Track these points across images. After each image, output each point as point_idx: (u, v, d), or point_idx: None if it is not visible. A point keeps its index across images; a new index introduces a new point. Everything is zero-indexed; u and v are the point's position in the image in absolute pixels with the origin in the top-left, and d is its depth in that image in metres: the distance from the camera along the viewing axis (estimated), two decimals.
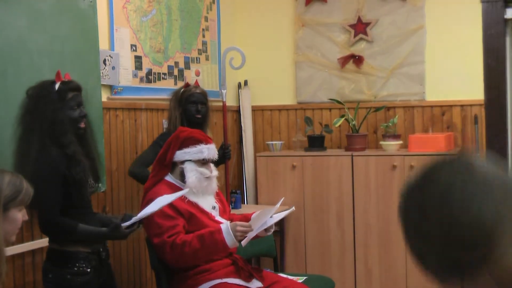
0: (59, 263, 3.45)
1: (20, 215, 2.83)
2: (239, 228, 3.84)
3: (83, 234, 3.42)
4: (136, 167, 4.72)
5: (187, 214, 4.00)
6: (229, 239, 3.83)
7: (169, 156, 4.14)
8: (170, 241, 3.87)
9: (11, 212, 2.78)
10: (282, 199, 4.27)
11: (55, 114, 3.43)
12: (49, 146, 3.38)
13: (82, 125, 3.54)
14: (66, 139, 3.43)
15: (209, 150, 4.15)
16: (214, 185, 4.24)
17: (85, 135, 3.62)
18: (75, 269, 3.43)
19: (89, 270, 3.46)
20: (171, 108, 4.90)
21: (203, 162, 4.13)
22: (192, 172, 4.08)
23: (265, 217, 3.93)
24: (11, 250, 3.66)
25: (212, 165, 4.24)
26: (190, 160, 4.10)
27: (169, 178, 4.16)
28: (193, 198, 4.08)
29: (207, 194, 4.20)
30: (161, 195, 3.97)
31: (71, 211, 3.44)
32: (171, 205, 3.95)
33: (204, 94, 4.94)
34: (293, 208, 4.41)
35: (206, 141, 4.17)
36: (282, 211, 4.17)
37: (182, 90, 4.93)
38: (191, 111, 4.83)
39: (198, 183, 4.08)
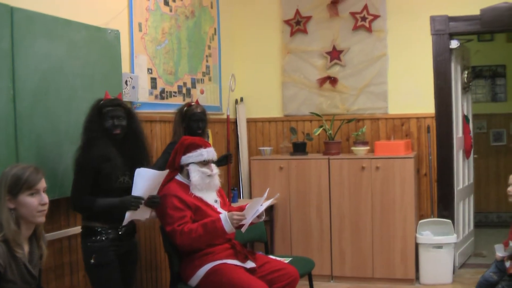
0: (85, 234, 3.67)
1: (32, 199, 2.85)
2: (235, 217, 3.88)
3: (101, 205, 3.59)
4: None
5: (194, 207, 4.03)
6: (227, 226, 3.87)
7: (177, 161, 4.18)
8: (179, 229, 3.90)
9: (20, 198, 2.82)
10: (268, 190, 4.30)
11: (90, 124, 3.65)
12: (90, 147, 3.58)
13: (117, 131, 3.69)
14: (97, 143, 3.60)
15: (208, 153, 4.17)
16: (216, 181, 4.25)
17: (126, 140, 3.78)
18: (93, 238, 3.62)
19: (104, 239, 3.62)
20: (176, 122, 4.83)
21: (204, 163, 4.15)
22: (195, 172, 4.11)
23: (256, 206, 3.96)
24: (51, 236, 3.72)
25: (213, 165, 4.25)
26: (193, 162, 4.14)
27: (178, 177, 4.19)
28: (198, 193, 4.11)
29: (210, 189, 4.21)
30: (172, 190, 4.05)
31: (103, 197, 3.61)
32: (180, 199, 4.00)
33: (204, 113, 4.85)
34: (278, 194, 4.41)
35: (205, 145, 4.19)
36: (269, 200, 4.18)
37: (185, 108, 4.83)
38: (194, 128, 4.74)
39: (201, 180, 4.11)
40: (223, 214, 3.93)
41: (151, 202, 3.73)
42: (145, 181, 3.65)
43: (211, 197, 4.22)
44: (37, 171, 2.91)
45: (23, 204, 2.84)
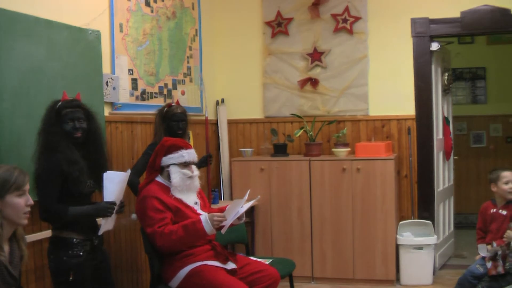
0: (58, 247, 3.50)
1: (19, 200, 2.86)
2: (215, 218, 3.91)
3: (74, 214, 3.45)
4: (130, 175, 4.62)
5: (174, 208, 4.05)
6: (207, 227, 3.89)
7: (157, 162, 4.18)
8: (159, 231, 3.91)
9: (7, 198, 2.83)
10: (248, 191, 4.33)
11: (50, 127, 3.50)
12: (53, 151, 3.44)
13: (77, 134, 3.55)
14: (60, 146, 3.46)
15: (189, 154, 4.18)
16: (196, 183, 4.26)
17: (87, 143, 3.65)
18: (70, 252, 3.47)
19: (81, 253, 3.49)
20: (156, 123, 4.83)
21: (185, 165, 4.16)
22: (176, 174, 4.11)
23: (237, 207, 4.00)
24: (32, 237, 3.72)
25: (193, 166, 4.26)
26: (174, 164, 4.15)
27: (159, 178, 4.20)
28: (178, 195, 4.13)
29: (190, 191, 4.23)
30: (152, 192, 4.06)
31: (70, 203, 3.48)
32: (160, 201, 4.02)
33: (184, 113, 4.86)
34: (259, 197, 4.43)
35: (186, 147, 4.21)
36: (250, 201, 4.20)
37: (165, 109, 4.85)
38: (174, 128, 4.75)
39: (181, 182, 4.12)
40: (204, 216, 3.96)
41: (121, 208, 3.67)
42: (115, 184, 3.57)
43: (191, 199, 4.24)
44: (23, 172, 2.92)
45: (11, 205, 2.84)
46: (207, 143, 5.60)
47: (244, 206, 4.06)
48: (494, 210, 4.74)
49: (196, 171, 4.27)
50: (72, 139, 3.55)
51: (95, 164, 3.65)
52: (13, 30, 3.65)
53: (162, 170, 4.21)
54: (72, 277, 3.45)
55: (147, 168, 4.27)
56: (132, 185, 4.51)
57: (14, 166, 2.94)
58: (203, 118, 6.41)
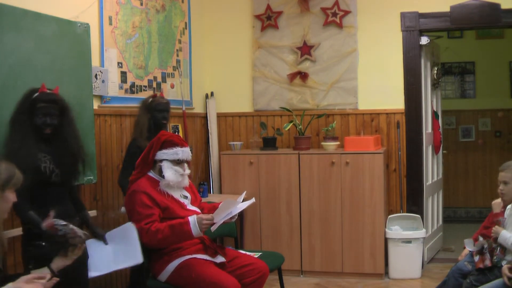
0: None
1: (12, 196, 2.87)
2: (204, 222, 3.90)
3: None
4: (124, 178, 4.56)
5: (163, 205, 4.04)
6: (195, 230, 3.89)
7: (151, 156, 4.18)
8: (146, 228, 3.90)
9: (6, 193, 2.83)
10: (244, 193, 4.33)
11: (19, 116, 3.42)
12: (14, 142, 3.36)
13: (47, 131, 3.45)
14: (18, 137, 3.38)
15: (183, 153, 4.17)
16: (186, 181, 4.26)
17: (54, 139, 3.53)
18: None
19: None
20: (140, 114, 4.80)
21: (178, 162, 4.16)
22: (169, 170, 4.10)
23: (230, 208, 4.01)
24: (11, 233, 3.66)
25: (185, 164, 4.27)
26: (167, 160, 4.15)
27: (151, 173, 4.19)
28: (168, 190, 4.13)
29: (179, 188, 4.24)
30: (142, 187, 4.04)
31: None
32: (150, 197, 4.00)
33: (168, 104, 4.89)
34: (253, 199, 4.41)
35: (182, 144, 4.19)
36: (244, 202, 4.18)
37: (150, 99, 4.84)
38: (159, 118, 4.76)
39: (174, 178, 4.11)
40: (192, 218, 3.94)
41: None
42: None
43: (181, 194, 4.26)
44: (20, 173, 2.94)
45: (6, 200, 2.85)
46: (185, 136, 5.58)
47: (239, 207, 4.07)
48: (502, 209, 4.71)
49: (187, 170, 4.27)
50: (40, 133, 3.45)
51: (60, 159, 3.54)
52: (1, 23, 3.63)
53: (155, 164, 4.21)
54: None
55: (140, 161, 4.25)
56: (124, 188, 4.51)
57: (10, 162, 2.95)
58: (193, 111, 6.41)
